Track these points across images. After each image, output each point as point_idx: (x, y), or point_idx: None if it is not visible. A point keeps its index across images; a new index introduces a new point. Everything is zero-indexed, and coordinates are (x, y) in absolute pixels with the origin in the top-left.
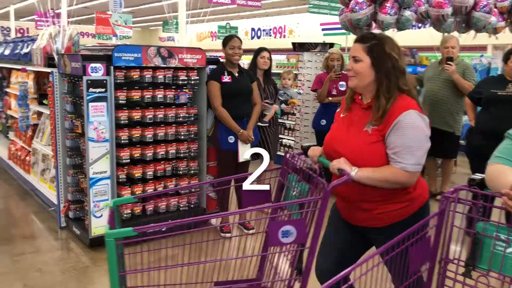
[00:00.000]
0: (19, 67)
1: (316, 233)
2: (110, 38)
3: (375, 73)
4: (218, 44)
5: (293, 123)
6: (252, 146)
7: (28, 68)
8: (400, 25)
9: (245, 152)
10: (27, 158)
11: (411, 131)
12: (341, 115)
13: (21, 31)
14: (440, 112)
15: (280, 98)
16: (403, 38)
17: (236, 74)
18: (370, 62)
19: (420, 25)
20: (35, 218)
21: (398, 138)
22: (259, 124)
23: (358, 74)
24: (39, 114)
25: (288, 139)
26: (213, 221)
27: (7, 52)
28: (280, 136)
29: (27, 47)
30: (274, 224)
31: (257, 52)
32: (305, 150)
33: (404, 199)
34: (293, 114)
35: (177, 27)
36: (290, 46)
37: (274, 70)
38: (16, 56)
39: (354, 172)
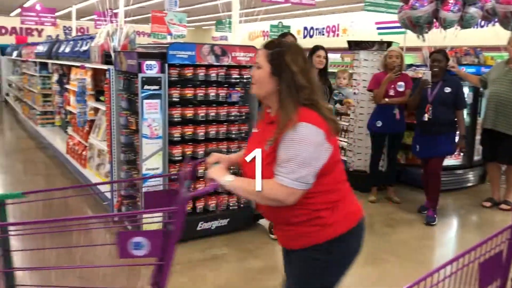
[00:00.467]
0: (78, 64)
1: (169, 247)
2: (165, 37)
3: (275, 82)
4: None
5: (347, 124)
6: None
7: (86, 65)
8: (464, 23)
9: None
10: (84, 152)
11: (297, 144)
12: (255, 130)
13: (82, 30)
14: (505, 114)
15: (335, 98)
16: (466, 37)
17: None
18: (270, 70)
19: (484, 23)
20: (91, 211)
21: (282, 150)
22: None
23: (257, 82)
24: (96, 110)
25: (341, 141)
26: (263, 221)
27: (67, 49)
28: None
29: (86, 45)
30: (123, 234)
31: (313, 51)
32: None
33: (315, 223)
34: (347, 114)
35: (230, 26)
36: (344, 45)
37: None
38: (76, 54)
39: (227, 181)
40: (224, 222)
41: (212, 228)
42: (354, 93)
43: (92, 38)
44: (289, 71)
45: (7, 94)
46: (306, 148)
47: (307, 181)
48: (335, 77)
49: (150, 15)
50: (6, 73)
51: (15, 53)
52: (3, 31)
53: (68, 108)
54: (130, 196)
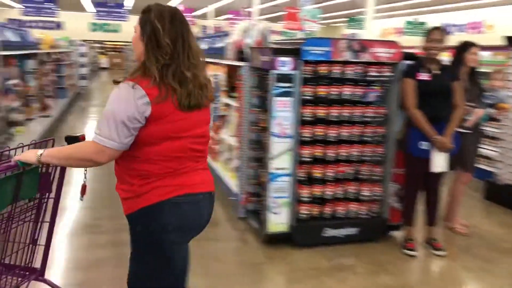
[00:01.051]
0: (214, 60)
1: None
2: (295, 35)
3: (143, 43)
4: (404, 40)
5: (497, 131)
6: (451, 156)
7: (221, 61)
8: None
9: (439, 162)
10: (215, 147)
11: (111, 102)
12: None
13: (217, 29)
14: None
15: (487, 101)
16: None
17: (436, 71)
18: (139, 33)
19: None
20: (218, 204)
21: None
22: (460, 130)
23: (133, 45)
24: (228, 106)
25: (489, 150)
26: (396, 233)
27: (204, 46)
28: (480, 145)
29: (222, 42)
30: None
31: (464, 47)
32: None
33: (128, 188)
34: (498, 120)
35: (363, 23)
36: (488, 44)
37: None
38: (212, 51)
39: (38, 155)
40: (353, 230)
41: (339, 236)
42: (511, 96)
43: (227, 35)
44: (151, 29)
45: None
46: (117, 105)
47: (116, 140)
48: (486, 77)
49: (280, 13)
50: None
51: None
52: None
53: None
54: (257, 194)
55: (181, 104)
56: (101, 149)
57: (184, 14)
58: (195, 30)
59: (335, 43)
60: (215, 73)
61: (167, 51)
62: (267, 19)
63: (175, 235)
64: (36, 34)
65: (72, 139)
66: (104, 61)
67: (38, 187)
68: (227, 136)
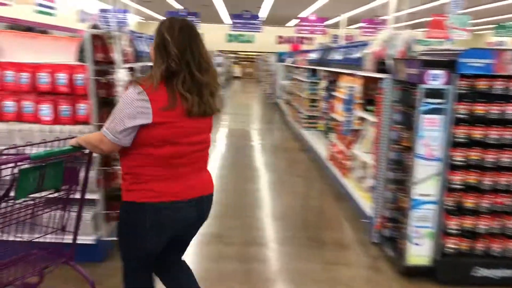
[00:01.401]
0: (349, 71)
1: None
2: (441, 43)
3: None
4: None
5: None
6: None
7: (358, 73)
8: None
9: None
10: (346, 162)
11: (119, 102)
12: None
13: (349, 38)
14: None
15: None
16: None
17: None
18: (154, 44)
19: None
20: (347, 225)
21: None
22: None
23: (150, 55)
24: (362, 120)
25: None
26: None
27: (339, 57)
28: None
29: (359, 52)
30: None
31: None
32: None
33: (126, 180)
34: None
35: None
36: None
37: None
38: (347, 61)
39: (75, 139)
40: (511, 273)
41: (493, 277)
42: None
43: (365, 45)
44: (161, 39)
45: (279, 98)
46: (122, 106)
47: (114, 134)
48: None
49: (418, 21)
50: (280, 78)
51: (289, 60)
52: (281, 40)
53: (333, 114)
54: (394, 220)
55: (191, 111)
56: (102, 139)
57: (317, 24)
58: (326, 39)
59: (500, 54)
60: (350, 85)
61: (175, 60)
62: (403, 27)
63: (152, 231)
64: None
65: None
66: (237, 70)
67: (62, 179)
68: (361, 152)
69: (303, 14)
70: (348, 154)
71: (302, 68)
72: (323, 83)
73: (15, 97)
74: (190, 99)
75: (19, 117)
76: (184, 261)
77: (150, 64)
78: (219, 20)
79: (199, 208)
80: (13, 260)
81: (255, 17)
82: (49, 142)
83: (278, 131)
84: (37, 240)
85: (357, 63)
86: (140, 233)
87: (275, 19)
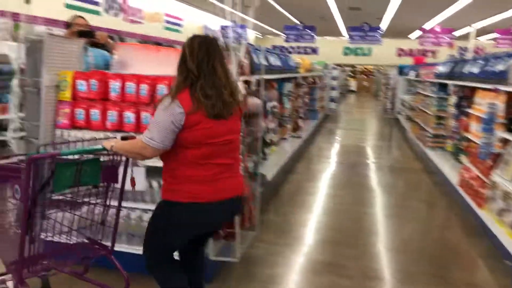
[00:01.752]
0: (489, 86)
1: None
2: None
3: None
4: None
5: None
6: None
7: (501, 88)
8: None
9: None
10: (482, 190)
11: (157, 111)
12: None
13: (479, 50)
14: None
15: None
16: None
17: None
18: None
19: None
20: (483, 265)
21: None
22: None
23: None
24: (505, 142)
25: None
26: None
27: (475, 70)
28: None
29: (503, 64)
30: None
31: None
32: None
33: (165, 180)
34: None
35: None
36: None
37: None
38: (486, 74)
39: (111, 145)
40: None
41: None
42: None
43: (510, 56)
44: (182, 54)
45: (399, 113)
46: (160, 114)
47: (157, 140)
48: None
49: None
50: (401, 92)
51: (412, 73)
52: (401, 52)
53: (466, 134)
54: None
55: (208, 114)
56: (145, 147)
57: (443, 36)
58: (452, 52)
59: None
60: (490, 101)
61: (193, 72)
62: None
63: (183, 229)
64: (295, 58)
65: (125, 138)
66: (352, 84)
67: (100, 176)
68: (503, 180)
69: (427, 26)
70: (486, 181)
71: (427, 82)
72: (453, 99)
73: (135, 109)
74: (205, 103)
75: (138, 128)
76: (202, 248)
77: (267, 76)
78: (337, 33)
79: (229, 209)
80: (59, 248)
81: (374, 29)
82: (86, 141)
83: (397, 149)
84: (78, 231)
85: (499, 77)
86: (171, 230)
87: (395, 31)
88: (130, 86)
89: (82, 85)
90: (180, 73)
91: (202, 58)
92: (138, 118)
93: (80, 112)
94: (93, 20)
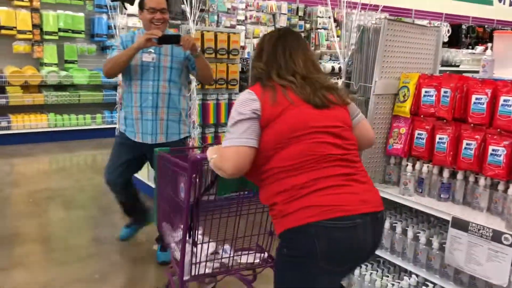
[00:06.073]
0: None
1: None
2: None
3: None
4: None
5: None
6: None
7: None
8: None
9: None
10: None
11: (234, 106)
12: None
13: None
14: None
15: None
16: None
17: None
18: None
19: None
20: None
21: None
22: None
23: None
24: None
25: None
26: None
27: None
28: None
29: None
30: None
31: None
32: None
33: (271, 207)
34: None
35: None
36: None
37: None
38: None
39: (211, 158)
40: None
41: None
42: None
43: None
44: (258, 46)
45: None
46: (236, 107)
47: (236, 144)
48: None
49: None
50: None
51: None
52: None
53: None
54: None
55: (292, 97)
56: (224, 156)
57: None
58: None
59: None
60: None
61: (265, 63)
62: None
63: (323, 263)
64: None
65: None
66: None
67: None
68: None
69: None
70: None
71: None
72: None
73: (510, 140)
74: (288, 85)
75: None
76: None
77: None
78: None
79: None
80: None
81: None
82: None
83: None
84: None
85: None
86: (308, 273)
87: None
88: (508, 101)
89: (429, 94)
90: (256, 64)
91: (275, 47)
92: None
93: (420, 136)
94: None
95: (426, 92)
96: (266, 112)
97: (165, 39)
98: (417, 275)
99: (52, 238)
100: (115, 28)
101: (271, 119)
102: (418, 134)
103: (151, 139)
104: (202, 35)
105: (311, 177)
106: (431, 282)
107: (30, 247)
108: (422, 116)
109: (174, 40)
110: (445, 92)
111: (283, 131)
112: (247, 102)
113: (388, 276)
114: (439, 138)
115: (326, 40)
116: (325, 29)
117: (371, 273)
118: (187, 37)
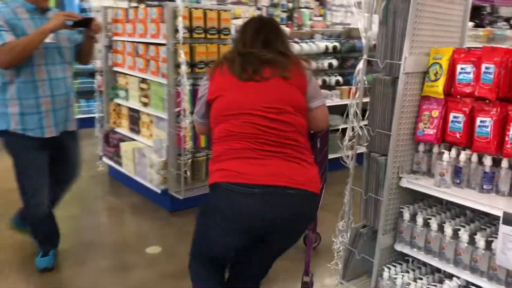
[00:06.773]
0: None
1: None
2: None
3: None
4: None
5: None
6: None
7: None
8: None
9: None
10: None
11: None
12: None
13: None
14: None
15: None
16: None
17: None
18: None
19: None
20: None
21: None
22: None
23: None
24: None
25: None
26: None
27: None
28: None
29: None
30: None
31: None
32: None
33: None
34: None
35: None
36: None
37: None
38: None
39: None
40: None
41: None
42: None
43: None
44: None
45: None
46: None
47: (197, 114)
48: None
49: None
50: None
51: None
52: None
53: None
54: None
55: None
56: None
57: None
58: None
59: None
60: None
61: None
62: None
63: (220, 219)
64: None
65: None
66: None
67: None
68: None
69: None
70: None
71: None
72: None
73: None
74: (229, 64)
75: None
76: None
77: None
78: None
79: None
80: None
81: None
82: None
83: None
84: None
85: None
86: (207, 221)
87: None
88: None
89: (465, 71)
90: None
91: (241, 30)
92: None
93: (456, 119)
94: None
95: (462, 69)
96: (211, 89)
97: (80, 23)
98: (458, 277)
99: None
100: None
101: (213, 92)
102: (454, 117)
103: (62, 128)
104: (190, 13)
105: (234, 146)
106: (477, 286)
107: None
108: (458, 96)
109: (88, 23)
110: (487, 68)
111: (216, 112)
112: (204, 86)
113: (422, 279)
114: (480, 121)
115: (309, 20)
116: (308, 8)
117: (402, 276)
118: (97, 21)
